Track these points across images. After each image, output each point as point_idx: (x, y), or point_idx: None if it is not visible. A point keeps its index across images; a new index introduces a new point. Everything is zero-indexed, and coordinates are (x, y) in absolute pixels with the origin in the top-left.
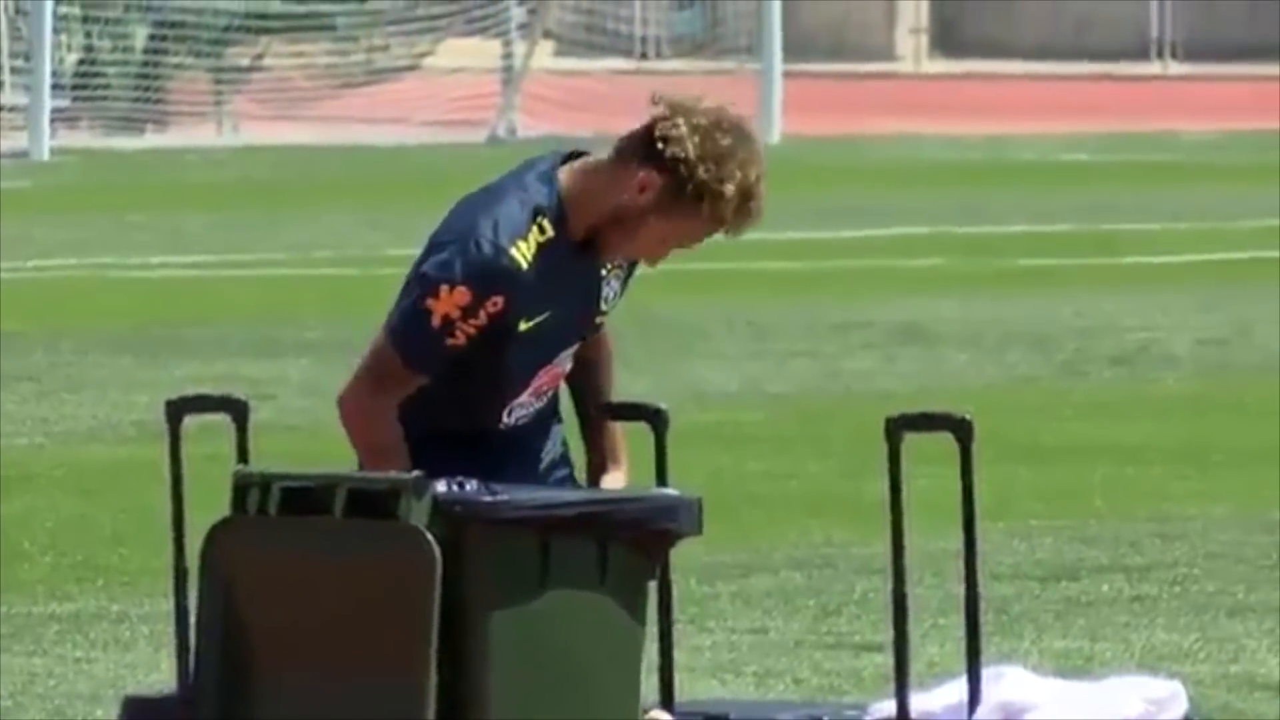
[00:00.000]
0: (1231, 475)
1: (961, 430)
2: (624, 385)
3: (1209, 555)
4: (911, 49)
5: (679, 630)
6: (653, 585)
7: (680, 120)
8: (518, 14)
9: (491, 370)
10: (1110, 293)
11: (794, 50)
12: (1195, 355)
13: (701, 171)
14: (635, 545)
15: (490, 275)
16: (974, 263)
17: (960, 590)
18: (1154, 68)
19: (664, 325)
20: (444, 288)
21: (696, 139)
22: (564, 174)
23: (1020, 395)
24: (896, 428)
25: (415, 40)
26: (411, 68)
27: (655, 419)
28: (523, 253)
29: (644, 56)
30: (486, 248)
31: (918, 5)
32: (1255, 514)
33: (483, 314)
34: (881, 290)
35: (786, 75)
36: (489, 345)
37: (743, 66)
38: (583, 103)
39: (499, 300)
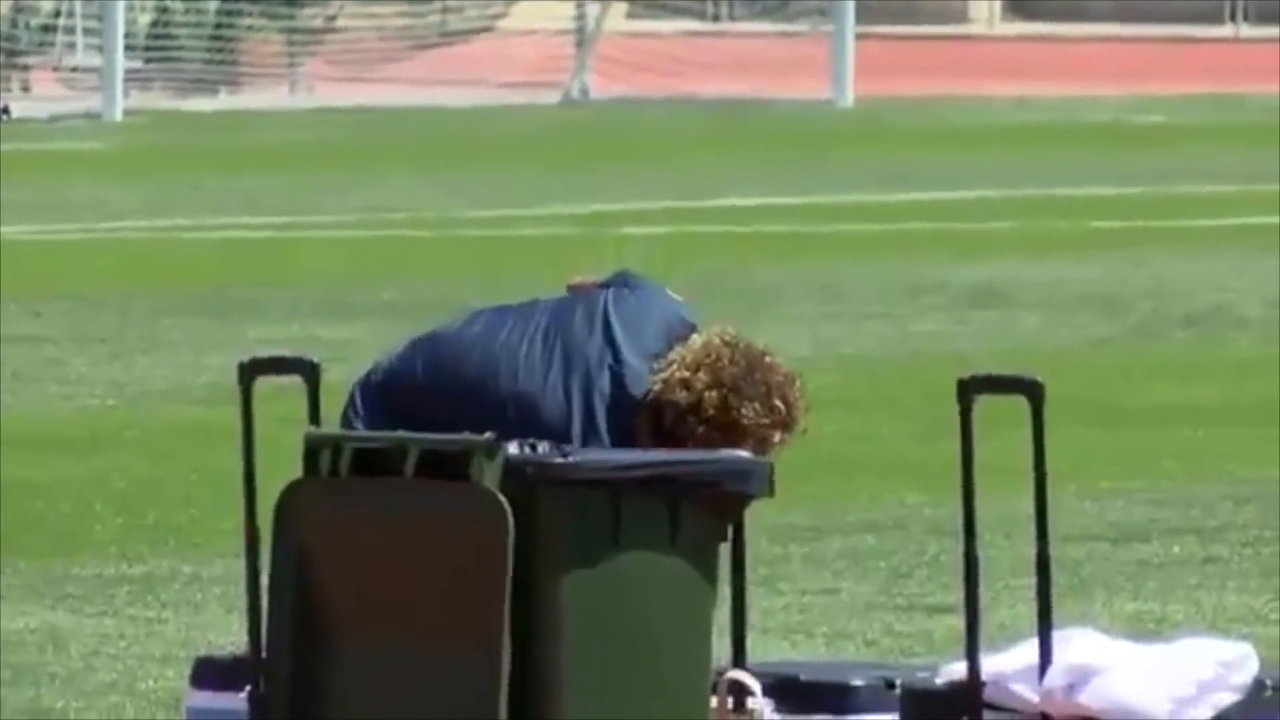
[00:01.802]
0: None
1: (1033, 392)
2: None
3: (1279, 517)
4: (985, 11)
5: (750, 592)
6: (725, 547)
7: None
8: None
9: None
10: (1183, 255)
11: (867, 12)
12: (1267, 317)
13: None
14: (707, 507)
15: None
16: (1046, 225)
17: (1031, 552)
18: (1226, 30)
19: (737, 288)
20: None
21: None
22: None
23: (1092, 357)
24: (968, 390)
25: (489, 2)
26: (485, 29)
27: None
28: None
29: (716, 18)
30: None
31: None
32: None
33: None
34: (954, 253)
35: (859, 37)
36: None
37: (816, 28)
38: (656, 64)
39: None
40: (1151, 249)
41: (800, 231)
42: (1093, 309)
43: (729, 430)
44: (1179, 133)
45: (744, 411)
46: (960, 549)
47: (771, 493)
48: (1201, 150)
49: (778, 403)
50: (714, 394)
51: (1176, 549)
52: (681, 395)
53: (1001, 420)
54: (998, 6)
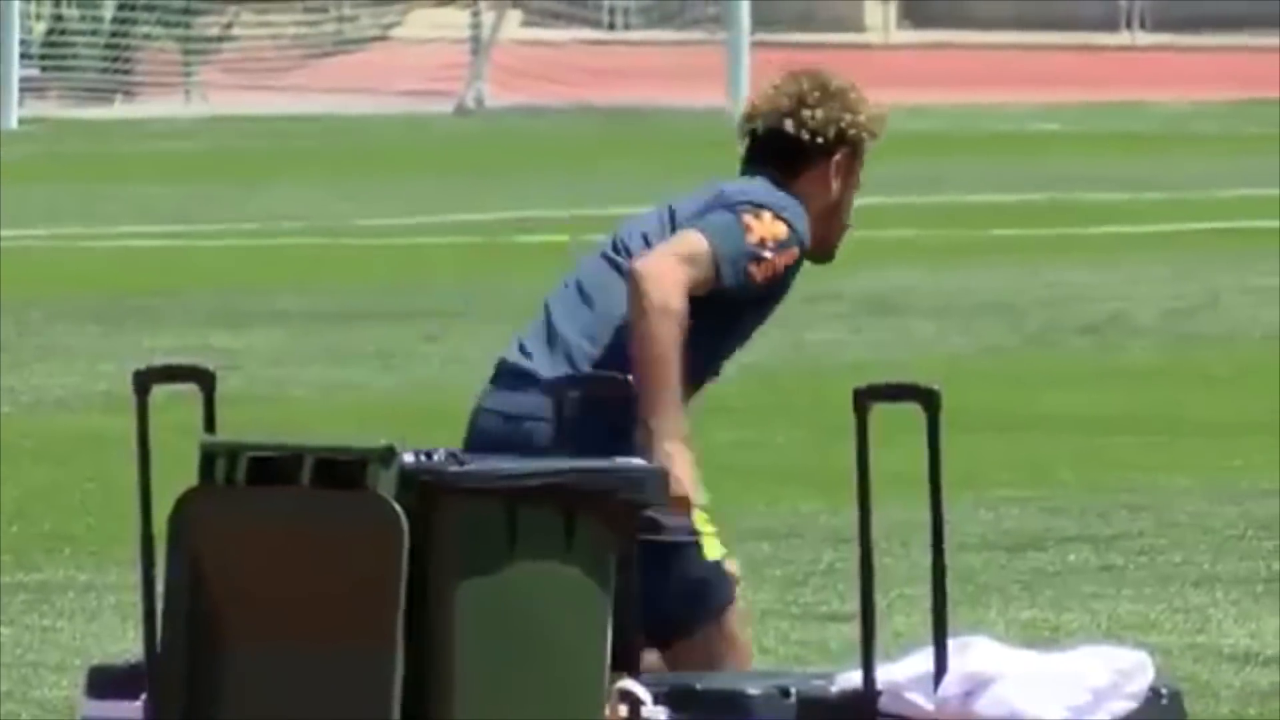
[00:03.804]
0: (1198, 445)
1: (929, 400)
2: None
3: (1175, 526)
4: (880, 19)
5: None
6: (620, 555)
7: (835, 104)
8: None
9: (743, 321)
10: (1079, 263)
11: (762, 20)
12: (1163, 325)
13: (864, 124)
14: (602, 515)
15: (798, 231)
16: (942, 233)
17: (927, 560)
18: (1123, 38)
19: None
20: (767, 214)
21: (853, 103)
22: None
23: (988, 365)
24: (864, 398)
25: (384, 10)
26: (380, 38)
27: (623, 390)
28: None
29: (612, 27)
30: (798, 210)
31: None
32: (1222, 484)
33: (781, 259)
34: (849, 261)
35: (754, 45)
36: (759, 295)
37: (711, 36)
38: (551, 73)
39: (795, 254)
40: (1048, 257)
41: None
42: (989, 317)
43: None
44: (1076, 141)
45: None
46: (856, 557)
47: (666, 501)
48: (1098, 158)
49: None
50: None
51: (1072, 557)
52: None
53: (897, 428)
54: (893, 14)
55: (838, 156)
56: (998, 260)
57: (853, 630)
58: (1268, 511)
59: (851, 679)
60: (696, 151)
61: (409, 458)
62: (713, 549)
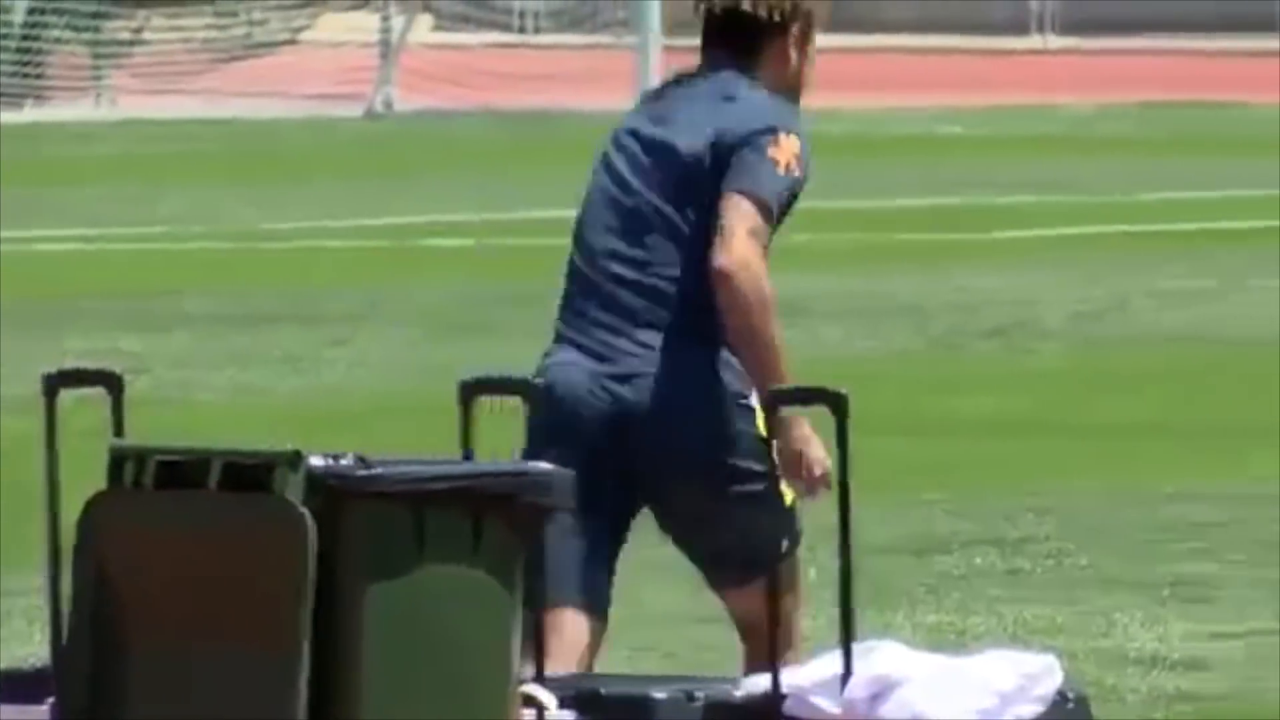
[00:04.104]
0: (1105, 449)
1: (837, 404)
2: (502, 357)
3: (1082, 529)
4: None
5: None
6: (527, 558)
7: None
8: None
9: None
10: (986, 267)
11: (673, 24)
12: (1070, 329)
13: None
14: (509, 519)
15: (802, 134)
16: (850, 237)
17: (834, 564)
18: (1032, 41)
19: (543, 300)
20: (782, 135)
21: None
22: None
23: (896, 369)
24: (774, 401)
25: (294, 14)
26: (290, 41)
27: (527, 393)
28: None
29: (521, 30)
30: (790, 110)
31: None
32: (1128, 488)
33: (804, 170)
34: None
35: (665, 49)
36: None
37: (620, 40)
38: (461, 77)
39: (804, 169)
40: (956, 261)
41: None
42: (896, 321)
43: None
44: (984, 144)
45: None
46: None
47: (572, 505)
48: (1007, 161)
49: None
50: None
51: (978, 560)
52: None
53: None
54: None
55: (794, 31)
56: (905, 264)
57: None
58: (1173, 515)
59: (758, 683)
60: None
61: (316, 461)
62: (789, 495)
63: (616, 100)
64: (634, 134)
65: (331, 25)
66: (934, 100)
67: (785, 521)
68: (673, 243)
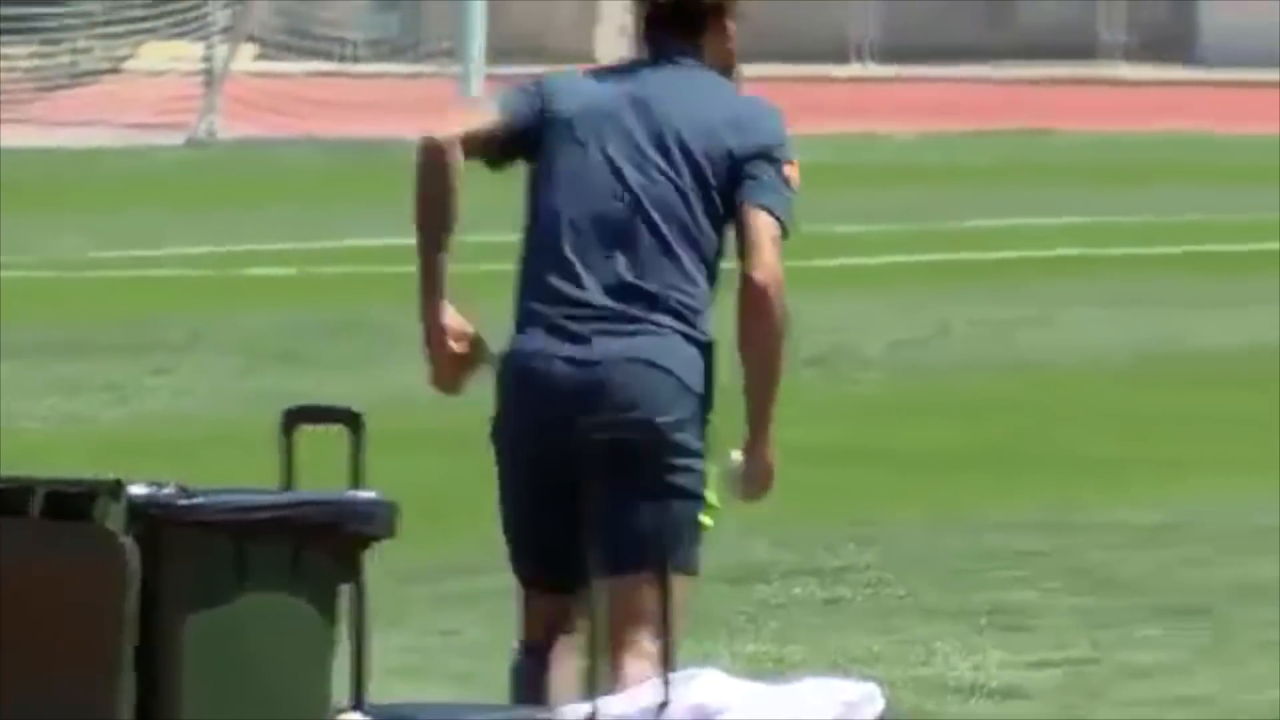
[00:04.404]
0: (925, 478)
1: (655, 434)
2: (320, 388)
3: (902, 558)
4: (610, 50)
5: (372, 632)
6: (347, 587)
7: None
8: (221, 17)
9: None
10: (807, 294)
11: (495, 53)
12: (892, 357)
13: None
14: (329, 548)
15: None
16: None
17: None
18: (852, 69)
19: (364, 328)
20: (795, 160)
21: None
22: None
23: (716, 397)
24: (588, 430)
25: (117, 43)
26: (114, 70)
27: (352, 422)
28: None
29: (343, 59)
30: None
31: (622, 5)
32: (948, 516)
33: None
34: None
35: (488, 78)
36: None
37: (443, 69)
38: (284, 105)
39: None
40: None
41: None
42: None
43: None
44: (805, 171)
45: None
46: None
47: (394, 534)
48: (828, 189)
49: None
50: None
51: (798, 590)
52: None
53: None
54: (624, 46)
55: (729, 12)
56: (724, 293)
57: (578, 662)
58: (992, 543)
59: (577, 711)
60: None
61: (138, 490)
62: (709, 520)
63: None
64: (628, 122)
65: (155, 54)
66: None
67: (695, 532)
68: (665, 238)
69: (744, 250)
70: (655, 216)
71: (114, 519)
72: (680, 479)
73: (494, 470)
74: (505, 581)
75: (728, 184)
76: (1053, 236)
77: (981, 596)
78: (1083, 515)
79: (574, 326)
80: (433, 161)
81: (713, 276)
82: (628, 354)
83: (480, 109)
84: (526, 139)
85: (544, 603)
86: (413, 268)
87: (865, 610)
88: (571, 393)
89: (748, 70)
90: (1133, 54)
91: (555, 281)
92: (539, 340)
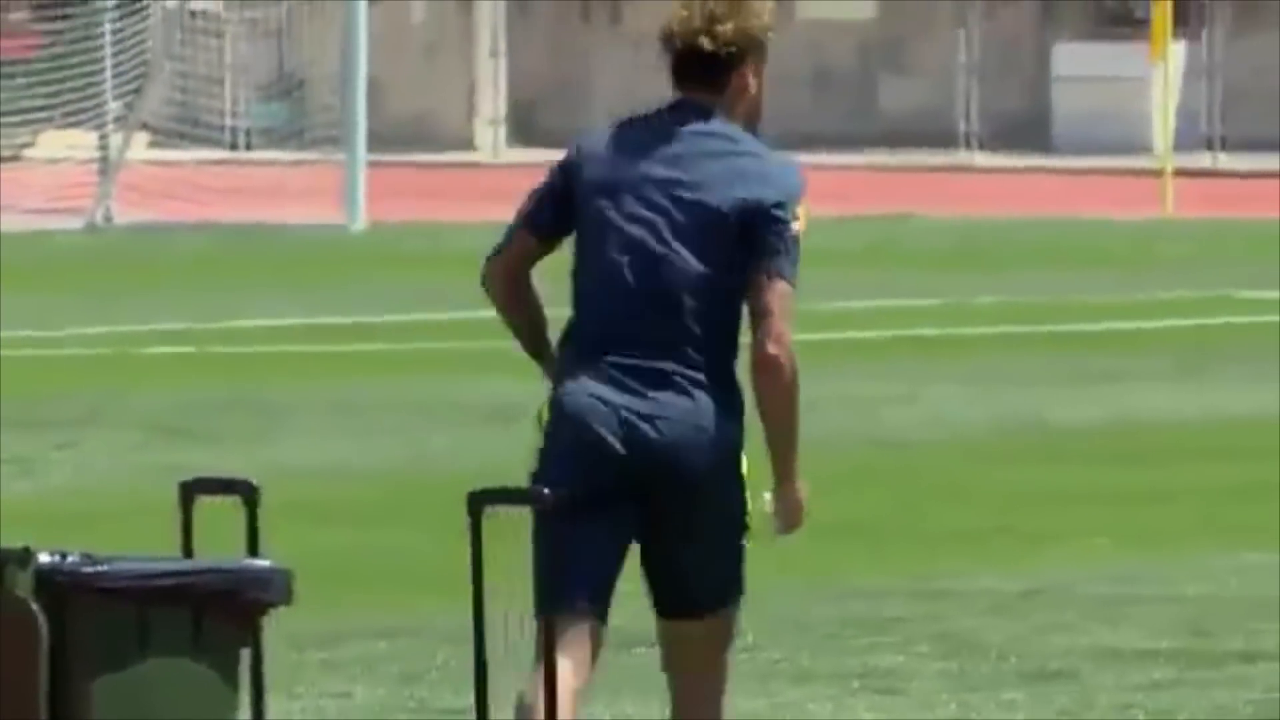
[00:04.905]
0: (798, 545)
1: (538, 504)
2: (215, 463)
3: (776, 623)
4: (490, 139)
5: (269, 696)
6: (246, 652)
7: (741, 15)
8: (115, 106)
9: None
10: None
11: (377, 140)
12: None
13: (768, 24)
14: (229, 614)
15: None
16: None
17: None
18: None
19: (255, 405)
20: (799, 207)
21: (755, 10)
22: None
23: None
24: (479, 502)
25: (16, 131)
26: (13, 158)
27: (247, 494)
28: None
29: (234, 147)
30: (796, 167)
31: (495, 97)
32: (820, 584)
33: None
34: (466, 370)
35: (371, 165)
36: None
37: (329, 156)
38: (177, 191)
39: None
40: None
41: (317, 351)
42: None
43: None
44: None
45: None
46: (471, 653)
47: (290, 600)
48: None
49: None
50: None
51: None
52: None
53: (511, 530)
54: (502, 134)
55: (750, 59)
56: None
57: None
58: (862, 610)
59: None
60: (315, 266)
61: (45, 558)
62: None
63: (324, 213)
64: (657, 183)
65: (52, 142)
66: None
67: (741, 569)
68: (696, 294)
69: (756, 316)
70: (679, 282)
71: (22, 586)
72: (731, 519)
73: (408, 533)
74: (394, 646)
75: (742, 246)
76: (917, 317)
77: (853, 660)
78: (948, 583)
79: (613, 380)
80: (505, 304)
81: (736, 332)
82: (666, 413)
83: (513, 241)
84: (562, 228)
85: (577, 631)
86: (303, 347)
87: (743, 673)
88: (615, 436)
89: None
90: (988, 142)
91: (594, 342)
92: (587, 390)
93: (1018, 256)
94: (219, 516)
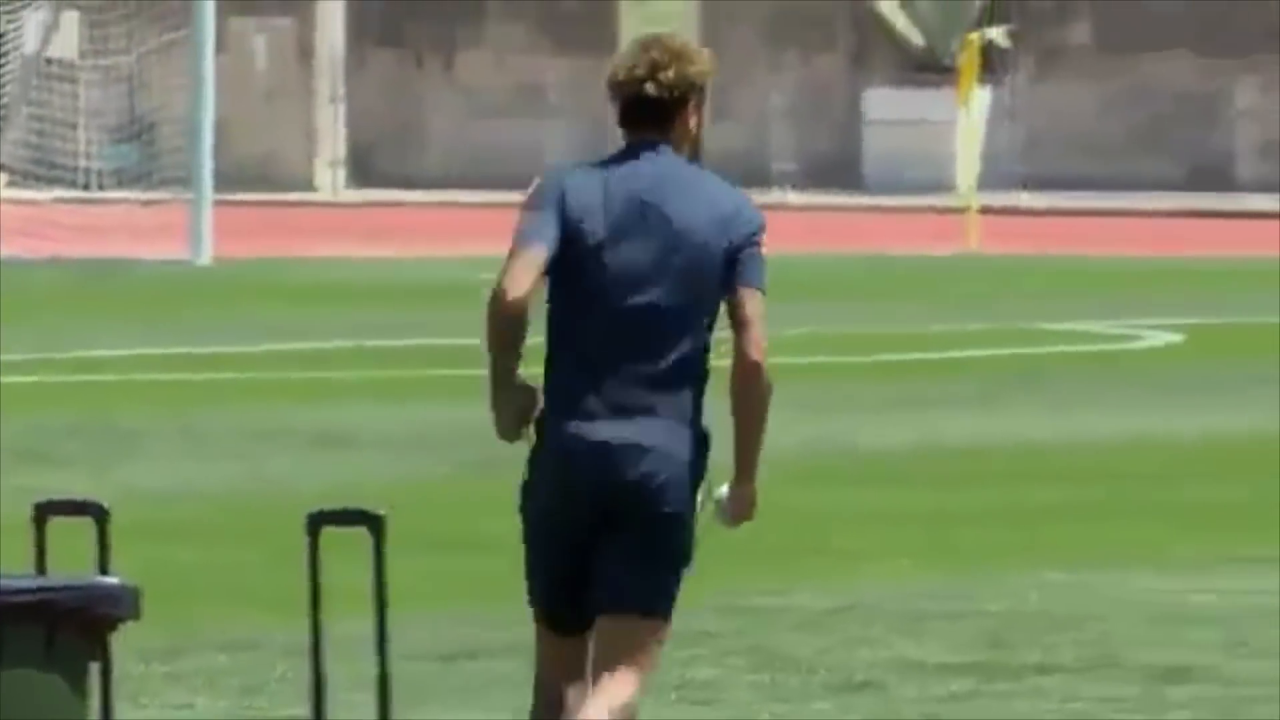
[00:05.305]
0: None
1: (375, 525)
2: (67, 485)
3: None
4: (329, 179)
5: (117, 708)
6: (95, 665)
7: (681, 62)
8: None
9: None
10: None
11: (224, 181)
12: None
13: (706, 70)
14: (80, 629)
15: None
16: (388, 373)
17: (373, 670)
18: None
19: (103, 432)
20: (765, 231)
21: (693, 57)
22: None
23: (430, 493)
24: (316, 523)
25: None
26: None
27: (98, 515)
28: None
29: (87, 187)
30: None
31: (334, 140)
32: None
33: None
34: (302, 398)
35: (217, 204)
36: None
37: (178, 195)
38: (32, 229)
39: None
40: (481, 395)
41: (162, 379)
42: (425, 449)
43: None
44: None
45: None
46: (308, 667)
47: (138, 616)
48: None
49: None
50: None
51: (504, 667)
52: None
53: (347, 549)
54: (341, 175)
55: (692, 101)
56: (436, 397)
57: None
58: (679, 624)
59: None
60: (163, 299)
61: None
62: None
63: (172, 250)
64: (637, 216)
65: None
66: (461, 249)
67: (674, 588)
68: (674, 325)
69: (737, 326)
70: (658, 313)
71: None
72: (681, 539)
73: (249, 552)
74: (235, 660)
75: (721, 272)
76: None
77: (671, 673)
78: (762, 600)
79: (596, 414)
80: (509, 316)
81: (707, 363)
82: (639, 440)
83: (530, 252)
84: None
85: (563, 645)
86: (152, 375)
87: None
88: (595, 469)
89: (456, 196)
90: (801, 182)
91: (577, 375)
92: (571, 425)
93: (830, 289)
94: (71, 536)
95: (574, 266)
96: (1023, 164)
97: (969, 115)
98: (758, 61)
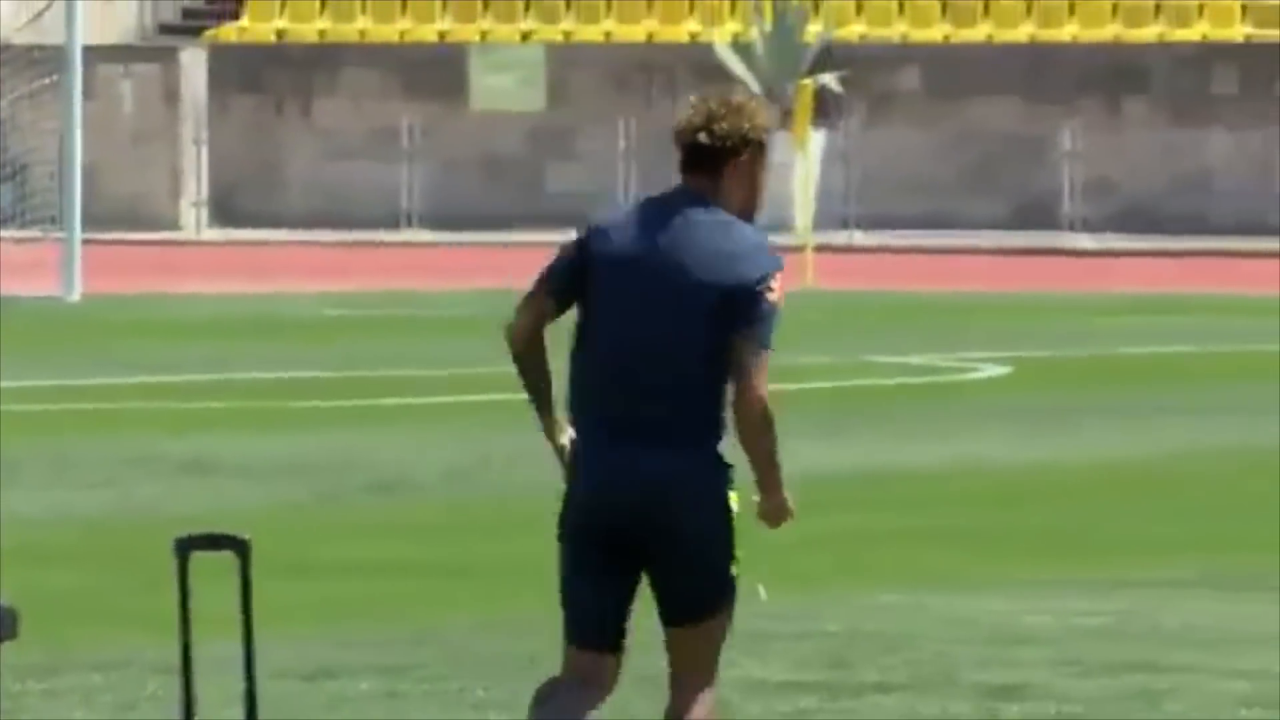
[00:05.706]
0: (478, 587)
1: (241, 549)
2: None
3: (457, 657)
4: (193, 219)
5: None
6: None
7: (736, 116)
8: None
9: None
10: (369, 430)
11: (93, 220)
12: (444, 484)
13: (762, 126)
14: None
15: (780, 260)
16: (248, 405)
17: (240, 688)
18: (402, 235)
19: None
20: (778, 276)
21: (750, 113)
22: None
23: (289, 519)
24: (184, 547)
25: None
26: None
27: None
28: None
29: None
30: (767, 240)
31: (198, 180)
32: (497, 621)
33: (782, 295)
34: (168, 428)
35: (87, 242)
36: None
37: (49, 235)
38: None
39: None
40: (341, 425)
41: (36, 410)
42: (288, 478)
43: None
44: (362, 324)
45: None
46: (178, 685)
47: (15, 635)
48: (382, 340)
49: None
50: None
51: (364, 685)
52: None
53: (214, 573)
54: (204, 215)
55: (744, 155)
56: (295, 428)
57: None
58: (537, 645)
59: None
60: (35, 333)
61: None
62: (738, 568)
63: (45, 287)
64: (657, 260)
65: None
66: (320, 285)
67: (730, 583)
68: (692, 361)
69: (736, 376)
70: (677, 349)
71: None
72: (721, 552)
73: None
74: (109, 678)
75: (727, 318)
76: None
77: (526, 686)
78: None
79: (618, 444)
80: (511, 348)
81: (724, 393)
82: (671, 471)
83: (533, 291)
84: (573, 295)
85: (587, 660)
86: (25, 406)
87: (424, 703)
88: (628, 496)
89: (310, 235)
90: None
91: (604, 407)
92: (596, 456)
93: None
94: None
95: (598, 301)
96: (857, 204)
97: (805, 158)
98: (605, 106)
